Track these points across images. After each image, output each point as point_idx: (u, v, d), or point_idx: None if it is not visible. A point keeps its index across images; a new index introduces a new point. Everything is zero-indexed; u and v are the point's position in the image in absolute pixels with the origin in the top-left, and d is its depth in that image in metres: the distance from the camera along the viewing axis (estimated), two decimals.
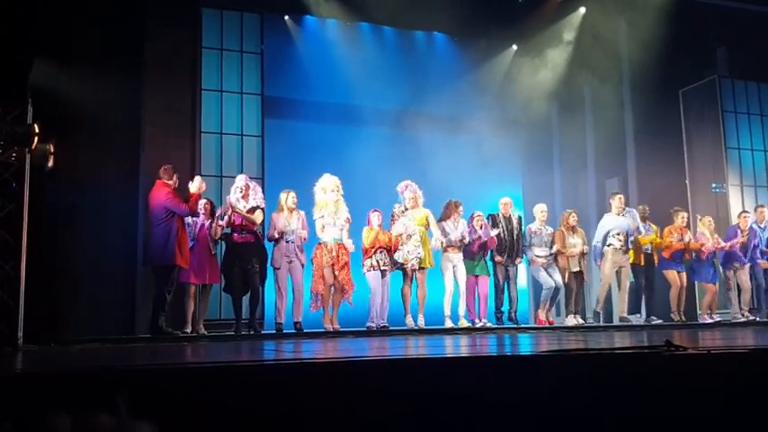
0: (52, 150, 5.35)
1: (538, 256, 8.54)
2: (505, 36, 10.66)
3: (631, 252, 8.74)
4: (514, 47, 10.91)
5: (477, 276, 8.26)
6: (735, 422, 2.74)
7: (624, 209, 8.78)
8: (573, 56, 10.56)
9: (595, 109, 11.00)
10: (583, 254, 8.64)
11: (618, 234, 8.62)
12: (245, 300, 7.31)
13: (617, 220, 8.63)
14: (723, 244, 8.96)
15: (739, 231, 9.07)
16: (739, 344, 3.68)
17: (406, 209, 7.92)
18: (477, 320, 8.17)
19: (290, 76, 9.54)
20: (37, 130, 5.21)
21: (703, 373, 2.88)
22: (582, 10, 10.55)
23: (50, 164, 5.40)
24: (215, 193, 7.96)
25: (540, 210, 8.75)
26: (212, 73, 8.45)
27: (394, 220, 7.89)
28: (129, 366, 3.03)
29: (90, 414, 1.70)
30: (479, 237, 8.19)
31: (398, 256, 7.73)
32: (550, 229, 8.73)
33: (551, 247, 8.58)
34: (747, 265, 9.05)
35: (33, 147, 5.23)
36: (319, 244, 7.53)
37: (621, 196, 8.91)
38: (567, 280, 8.65)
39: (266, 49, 8.80)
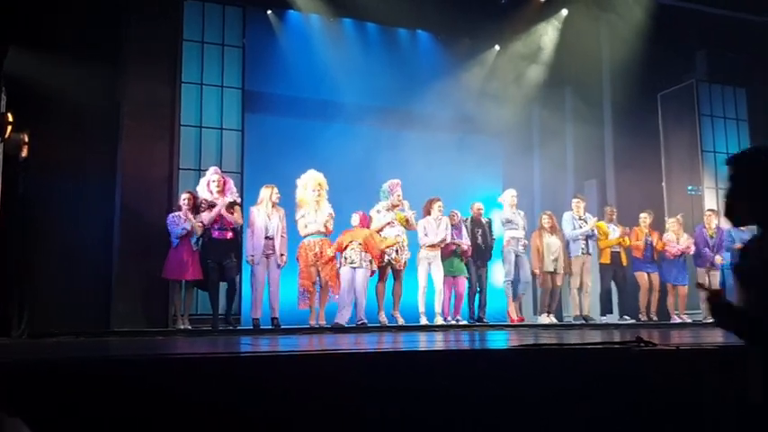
0: (27, 140, 5.28)
1: (512, 238, 8.67)
2: (488, 36, 10.70)
3: (601, 251, 8.88)
4: (497, 47, 10.95)
5: (454, 277, 8.31)
6: (701, 414, 2.78)
7: (584, 213, 8.91)
8: (554, 57, 10.63)
9: (575, 110, 11.07)
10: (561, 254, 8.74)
11: (575, 241, 8.78)
12: (222, 295, 7.30)
13: (573, 231, 8.77)
14: (680, 247, 9.01)
15: (704, 230, 9.16)
16: (708, 341, 3.73)
17: (393, 206, 7.93)
18: (449, 318, 8.21)
19: (271, 71, 9.48)
20: (10, 119, 5.14)
21: (672, 368, 2.92)
22: (564, 12, 10.61)
23: (24, 153, 5.33)
24: (193, 188, 7.88)
25: (511, 195, 8.84)
26: (193, 66, 8.38)
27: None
28: (99, 357, 3.00)
29: None
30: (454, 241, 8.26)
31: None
32: (522, 213, 8.87)
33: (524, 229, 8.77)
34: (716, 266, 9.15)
35: (6, 135, 5.16)
36: (303, 243, 7.53)
37: (582, 201, 8.99)
38: (540, 279, 8.75)
39: (248, 43, 8.74)
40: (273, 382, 2.56)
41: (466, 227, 8.47)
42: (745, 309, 2.04)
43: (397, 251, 7.82)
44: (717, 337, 4.03)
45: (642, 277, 8.99)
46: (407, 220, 7.97)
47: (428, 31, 10.59)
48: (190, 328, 7.07)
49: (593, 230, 8.86)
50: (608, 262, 8.92)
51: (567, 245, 8.91)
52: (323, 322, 7.47)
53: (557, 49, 10.61)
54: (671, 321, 8.97)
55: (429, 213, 8.20)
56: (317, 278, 7.51)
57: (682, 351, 3.02)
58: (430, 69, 10.18)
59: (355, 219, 7.82)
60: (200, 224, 7.20)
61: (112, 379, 2.30)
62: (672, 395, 2.76)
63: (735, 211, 2.23)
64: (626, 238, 8.91)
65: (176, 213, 7.23)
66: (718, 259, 9.04)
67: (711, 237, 9.13)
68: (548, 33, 10.69)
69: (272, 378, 2.58)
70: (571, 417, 2.76)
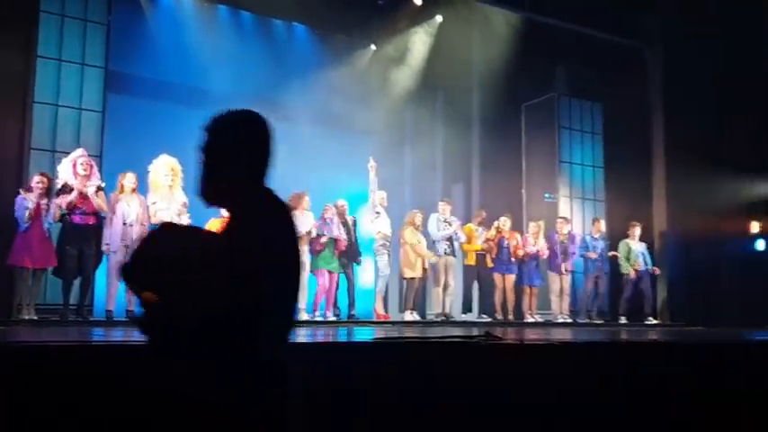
0: None
1: (385, 235, 8.81)
2: (365, 35, 10.81)
3: (467, 254, 9.23)
4: (373, 47, 11.08)
5: (330, 273, 8.30)
6: (542, 404, 2.95)
7: (450, 216, 9.20)
8: (428, 61, 10.89)
9: (446, 114, 11.41)
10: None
11: (439, 242, 9.06)
12: (75, 285, 6.89)
13: (440, 232, 9.04)
14: (533, 249, 9.51)
15: (556, 236, 9.73)
16: (552, 338, 3.97)
17: None
18: (318, 314, 8.20)
19: (138, 52, 9.05)
20: None
21: (516, 360, 3.09)
22: (438, 18, 10.89)
23: None
24: (48, 170, 7.34)
25: (380, 196, 9.01)
26: (51, 39, 7.84)
27: None
28: None
29: None
30: (326, 234, 8.24)
31: None
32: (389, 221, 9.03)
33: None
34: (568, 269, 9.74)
35: None
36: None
37: (448, 205, 9.26)
38: (408, 276, 8.94)
39: (114, 20, 8.30)
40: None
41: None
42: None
43: None
44: (564, 335, 4.30)
45: (498, 278, 9.41)
46: None
47: (305, 24, 10.54)
48: (35, 318, 6.60)
49: (456, 233, 9.12)
50: (473, 263, 9.27)
51: (432, 244, 9.15)
52: None
53: (430, 53, 10.88)
54: (524, 320, 9.45)
55: (296, 207, 8.13)
56: None
57: (525, 345, 3.21)
58: (304, 63, 10.15)
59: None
60: (58, 208, 6.74)
61: None
62: (512, 385, 2.91)
63: (207, 188, 1.95)
64: (490, 243, 9.28)
65: (25, 195, 6.70)
66: (565, 265, 9.62)
67: (562, 242, 9.69)
68: (422, 37, 10.94)
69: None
70: (424, 406, 2.84)
